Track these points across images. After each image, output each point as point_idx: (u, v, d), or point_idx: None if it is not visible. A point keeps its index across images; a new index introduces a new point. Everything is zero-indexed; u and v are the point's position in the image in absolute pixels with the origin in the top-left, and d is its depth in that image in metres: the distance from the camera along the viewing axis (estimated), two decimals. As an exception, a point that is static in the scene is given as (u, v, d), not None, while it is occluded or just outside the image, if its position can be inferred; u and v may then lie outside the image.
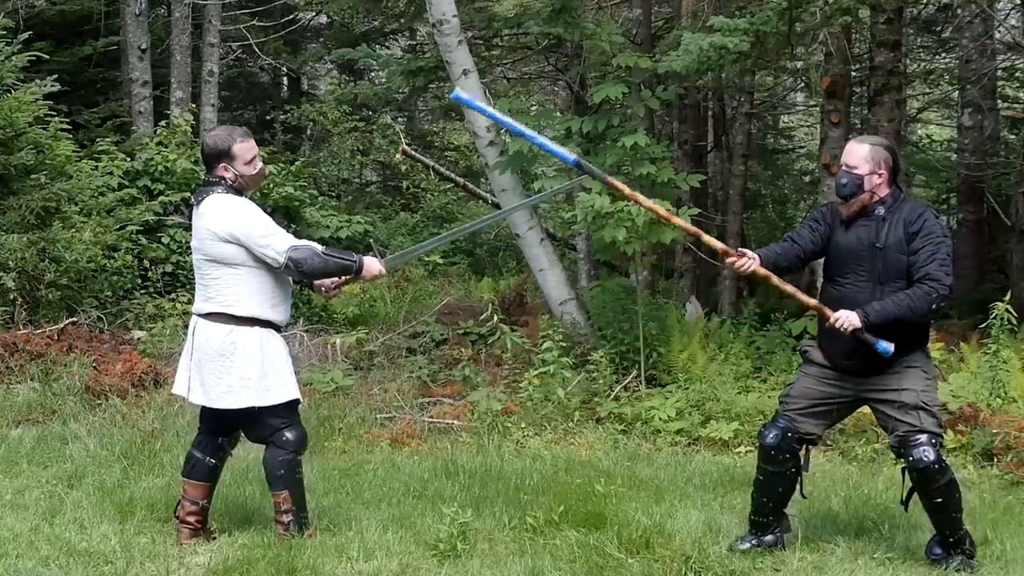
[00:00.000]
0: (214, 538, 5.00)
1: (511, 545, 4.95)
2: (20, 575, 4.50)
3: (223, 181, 4.82)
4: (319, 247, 4.88)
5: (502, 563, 4.70)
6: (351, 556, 4.74)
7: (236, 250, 4.74)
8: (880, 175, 4.74)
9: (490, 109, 5.43)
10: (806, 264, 5.25)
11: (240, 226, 4.72)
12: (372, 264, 4.95)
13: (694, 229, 5.24)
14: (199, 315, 4.85)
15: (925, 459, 4.60)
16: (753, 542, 4.94)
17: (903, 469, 4.76)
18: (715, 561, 4.63)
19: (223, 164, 4.82)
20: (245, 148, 4.84)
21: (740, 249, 4.93)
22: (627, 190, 5.25)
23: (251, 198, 4.96)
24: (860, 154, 4.76)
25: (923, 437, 4.63)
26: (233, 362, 4.75)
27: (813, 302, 4.89)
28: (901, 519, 5.44)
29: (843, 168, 4.79)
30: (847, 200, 4.78)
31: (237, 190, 4.84)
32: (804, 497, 5.08)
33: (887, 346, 4.64)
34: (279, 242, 4.75)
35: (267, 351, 4.82)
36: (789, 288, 4.93)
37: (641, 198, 5.37)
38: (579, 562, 4.69)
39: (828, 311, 4.73)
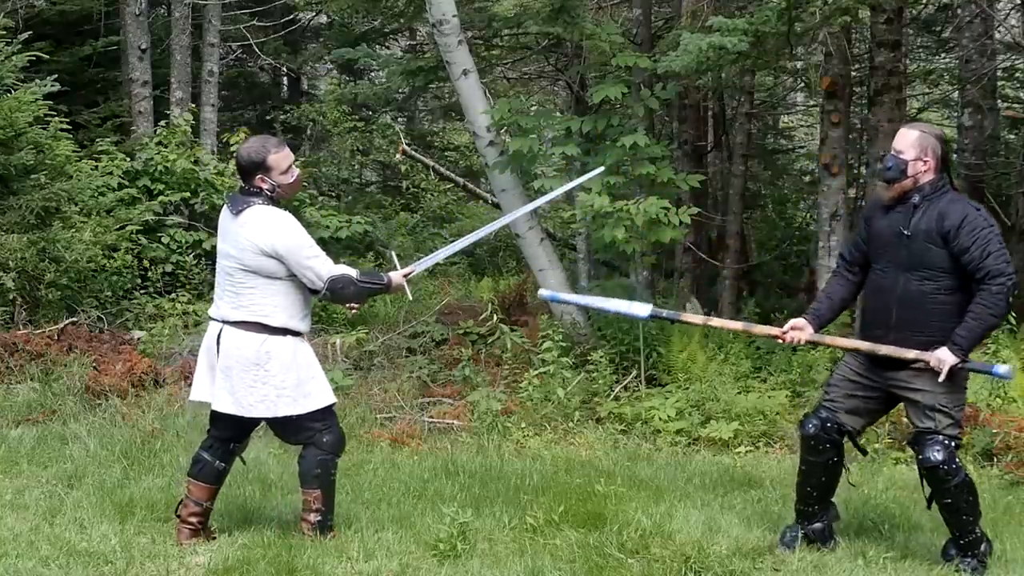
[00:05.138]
0: (214, 538, 5.00)
1: (511, 545, 4.95)
2: (20, 575, 4.50)
3: (261, 192, 4.81)
4: (354, 273, 4.88)
5: (502, 563, 4.70)
6: (351, 556, 4.74)
7: (276, 265, 4.74)
8: (925, 162, 4.70)
9: None
10: None
11: (285, 243, 4.72)
12: (396, 278, 5.03)
13: None
14: (226, 322, 4.82)
15: (933, 459, 4.62)
16: (800, 532, 4.98)
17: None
18: (715, 561, 4.63)
19: (260, 176, 4.79)
20: (280, 158, 4.82)
21: (791, 323, 4.93)
22: None
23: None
24: (908, 139, 4.75)
25: (936, 438, 4.63)
26: (268, 371, 4.75)
27: (885, 350, 4.71)
28: (901, 519, 5.45)
29: (891, 152, 4.78)
30: (890, 184, 4.76)
31: (275, 200, 4.84)
32: (853, 486, 5.11)
33: (1002, 369, 4.65)
34: (321, 266, 4.78)
35: (300, 359, 4.85)
36: (843, 343, 4.99)
37: None
38: (579, 562, 4.70)
39: (920, 355, 4.59)
